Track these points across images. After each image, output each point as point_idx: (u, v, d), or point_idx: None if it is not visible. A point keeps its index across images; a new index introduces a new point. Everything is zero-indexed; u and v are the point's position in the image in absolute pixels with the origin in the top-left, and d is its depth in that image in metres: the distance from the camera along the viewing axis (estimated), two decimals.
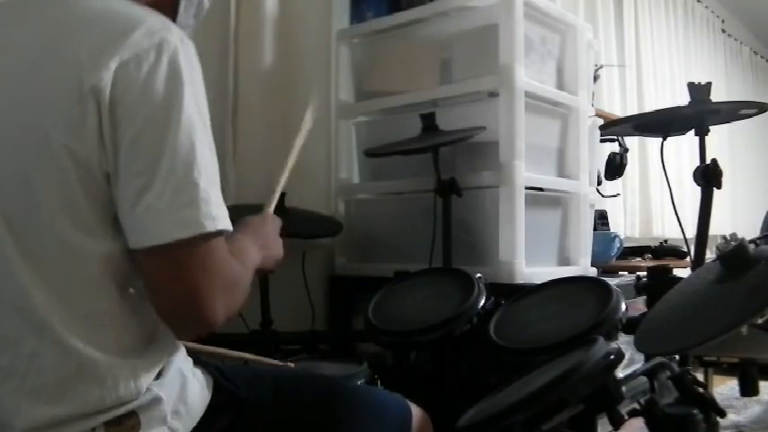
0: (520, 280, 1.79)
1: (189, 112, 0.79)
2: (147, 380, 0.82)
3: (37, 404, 0.78)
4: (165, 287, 0.79)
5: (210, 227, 0.78)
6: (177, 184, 0.77)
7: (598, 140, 2.34)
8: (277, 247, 1.09)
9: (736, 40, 5.92)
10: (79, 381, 0.78)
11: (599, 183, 2.50)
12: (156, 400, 0.82)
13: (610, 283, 1.30)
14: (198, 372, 0.91)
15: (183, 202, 0.77)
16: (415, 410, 1.08)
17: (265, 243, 1.04)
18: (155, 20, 0.82)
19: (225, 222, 0.81)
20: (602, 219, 2.68)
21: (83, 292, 0.79)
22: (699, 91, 1.63)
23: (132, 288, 0.84)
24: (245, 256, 0.92)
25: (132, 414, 0.80)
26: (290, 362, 1.42)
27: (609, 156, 2.74)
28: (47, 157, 0.77)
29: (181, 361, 0.89)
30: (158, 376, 0.84)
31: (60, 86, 0.78)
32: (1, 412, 0.79)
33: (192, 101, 0.80)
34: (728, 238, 1.01)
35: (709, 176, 1.64)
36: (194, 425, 0.86)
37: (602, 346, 0.97)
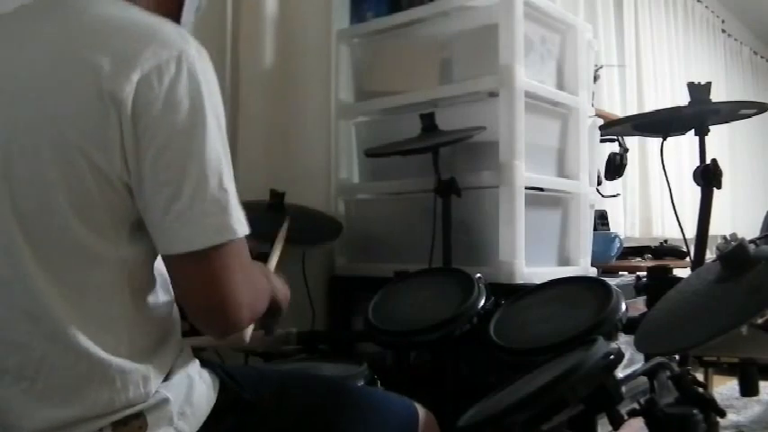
0: (520, 280, 1.78)
1: (210, 122, 0.80)
2: (156, 383, 0.82)
3: (46, 406, 0.78)
4: (197, 291, 0.81)
5: (241, 231, 0.81)
6: (206, 192, 0.79)
7: (598, 140, 2.34)
8: (286, 289, 1.11)
9: (736, 40, 5.92)
10: (89, 384, 0.78)
11: (599, 183, 2.50)
12: (164, 402, 0.82)
13: (610, 283, 1.30)
14: (204, 373, 0.91)
15: (214, 209, 0.79)
16: (422, 412, 1.08)
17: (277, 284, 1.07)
18: (170, 30, 0.83)
19: (247, 227, 0.84)
20: (602, 219, 2.68)
21: (96, 295, 0.80)
22: (699, 91, 1.63)
23: (146, 293, 0.84)
24: (263, 268, 0.98)
25: (140, 414, 0.80)
26: (291, 362, 1.42)
27: (609, 156, 2.74)
28: (62, 159, 0.78)
29: (188, 362, 0.89)
30: (166, 378, 0.85)
31: (78, 92, 0.78)
32: (10, 414, 0.79)
33: (212, 110, 0.81)
34: (728, 238, 1.00)
35: (709, 176, 1.64)
36: (200, 426, 0.86)
37: (601, 346, 0.97)
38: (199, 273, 0.80)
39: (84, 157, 0.77)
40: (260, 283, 0.92)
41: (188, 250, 0.78)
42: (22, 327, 0.79)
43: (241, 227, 0.81)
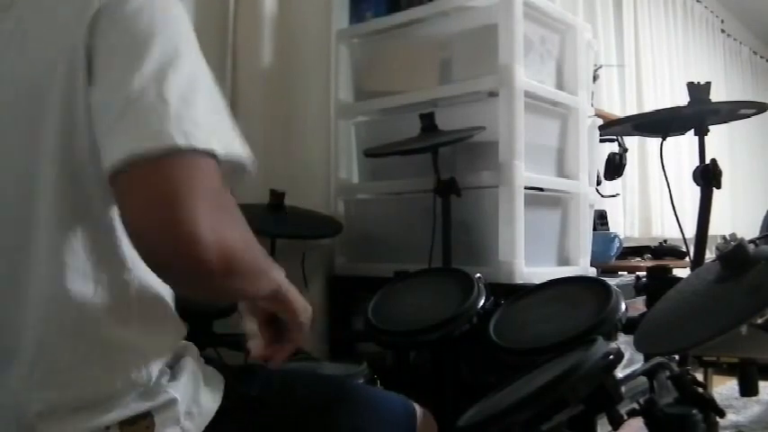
0: (519, 280, 1.79)
1: (176, 29, 0.78)
2: (156, 366, 0.82)
3: (47, 387, 0.78)
4: (135, 203, 0.70)
5: (182, 141, 0.70)
6: (149, 102, 0.72)
7: (597, 140, 2.34)
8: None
9: (735, 39, 5.93)
10: (88, 364, 0.78)
11: (598, 183, 2.50)
12: (172, 402, 0.82)
13: (609, 283, 1.30)
14: (210, 372, 0.91)
15: (152, 118, 0.71)
16: (420, 411, 1.08)
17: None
18: None
19: (209, 142, 0.73)
20: (601, 219, 2.68)
21: (90, 267, 0.78)
22: (698, 91, 1.63)
23: (137, 267, 0.82)
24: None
25: (147, 414, 0.80)
26: (291, 361, 1.41)
27: (608, 156, 2.74)
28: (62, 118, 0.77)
29: (194, 362, 0.89)
30: (174, 377, 0.84)
31: (57, 56, 0.77)
32: (12, 397, 0.79)
33: (179, 22, 0.79)
34: (728, 237, 1.00)
35: (708, 176, 1.64)
36: (206, 425, 0.86)
37: (601, 346, 0.96)
38: (137, 182, 0.70)
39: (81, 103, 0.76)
40: (236, 210, 0.78)
41: (126, 156, 0.69)
42: (18, 308, 0.78)
43: (183, 137, 0.70)
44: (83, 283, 0.78)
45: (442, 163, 1.83)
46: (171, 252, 0.68)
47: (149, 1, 0.77)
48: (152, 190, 0.69)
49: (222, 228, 0.71)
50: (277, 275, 0.89)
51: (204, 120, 0.74)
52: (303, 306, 0.95)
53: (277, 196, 1.84)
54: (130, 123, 0.71)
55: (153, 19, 0.77)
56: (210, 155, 0.73)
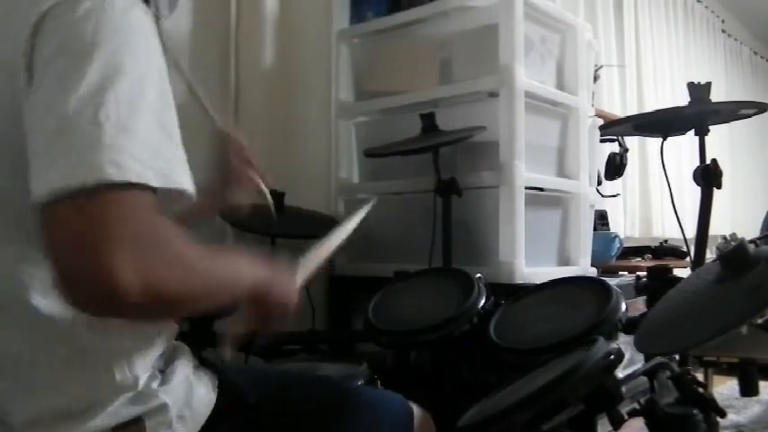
0: (520, 280, 1.79)
1: (125, 39, 0.73)
2: (143, 369, 0.81)
3: (32, 397, 0.77)
4: (57, 243, 0.66)
5: (113, 175, 0.66)
6: (82, 127, 0.67)
7: (598, 140, 2.34)
8: (289, 290, 0.94)
9: (735, 40, 5.93)
10: (70, 372, 0.77)
11: (599, 183, 2.50)
12: (163, 407, 0.81)
13: (610, 283, 1.30)
14: (203, 374, 0.91)
15: (84, 146, 0.67)
16: (417, 411, 1.08)
17: (274, 277, 0.89)
18: None
19: (143, 174, 0.68)
20: (602, 219, 2.68)
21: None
22: (699, 91, 1.63)
23: None
24: (222, 258, 0.79)
25: (138, 420, 0.80)
26: (291, 361, 1.41)
27: (609, 156, 2.74)
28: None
29: (187, 365, 0.89)
30: (165, 381, 0.84)
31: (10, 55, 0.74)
32: None
33: (131, 31, 0.74)
34: (728, 238, 1.00)
35: (709, 176, 1.64)
36: (199, 428, 0.85)
37: (602, 347, 0.96)
38: (65, 224, 0.66)
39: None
40: (171, 243, 0.71)
41: (51, 190, 0.65)
42: None
43: (115, 170, 0.66)
44: (51, 293, 0.75)
45: (443, 163, 1.83)
46: (88, 296, 0.66)
47: (99, 6, 0.73)
48: (74, 231, 0.65)
49: (149, 267, 0.67)
50: (248, 277, 0.84)
51: (142, 147, 0.69)
52: (285, 298, 0.91)
53: (277, 196, 1.84)
54: (60, 151, 0.67)
55: (99, 27, 0.72)
56: (145, 187, 0.69)
